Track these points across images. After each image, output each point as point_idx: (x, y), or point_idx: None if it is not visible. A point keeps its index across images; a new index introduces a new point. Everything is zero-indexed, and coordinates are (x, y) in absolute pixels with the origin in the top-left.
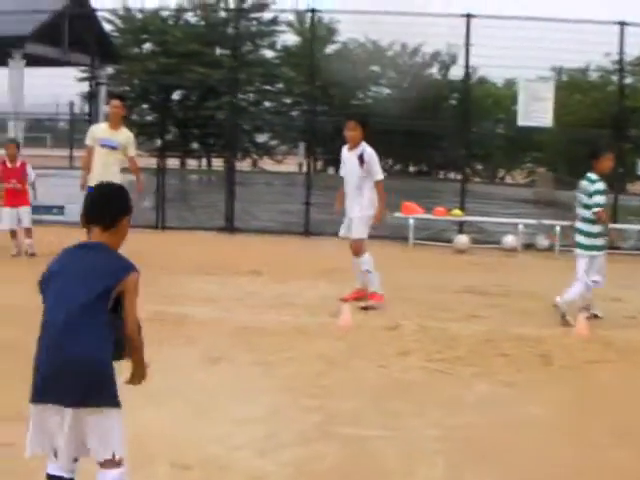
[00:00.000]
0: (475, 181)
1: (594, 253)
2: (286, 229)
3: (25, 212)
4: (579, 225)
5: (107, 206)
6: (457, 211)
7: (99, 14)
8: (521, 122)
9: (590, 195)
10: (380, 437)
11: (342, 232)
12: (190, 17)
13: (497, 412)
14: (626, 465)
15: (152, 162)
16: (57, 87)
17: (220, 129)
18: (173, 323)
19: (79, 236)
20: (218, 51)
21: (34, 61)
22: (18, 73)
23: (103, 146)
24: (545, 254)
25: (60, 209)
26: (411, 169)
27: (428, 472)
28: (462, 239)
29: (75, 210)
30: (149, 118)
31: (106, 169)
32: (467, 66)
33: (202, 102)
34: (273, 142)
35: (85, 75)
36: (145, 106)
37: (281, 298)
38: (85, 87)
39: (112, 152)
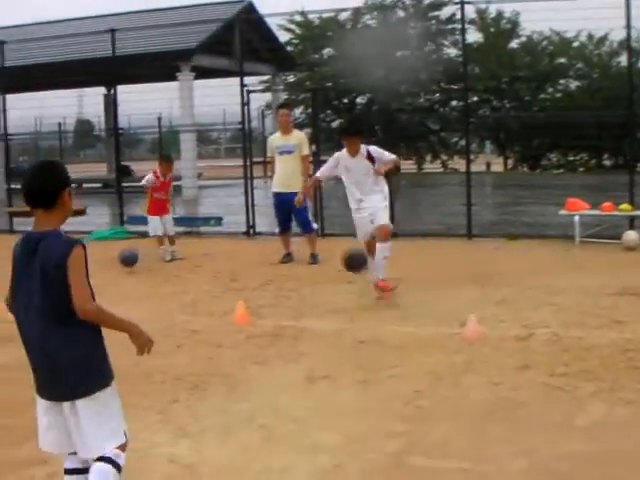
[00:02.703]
0: None
1: None
2: (450, 232)
3: (169, 220)
4: None
5: (43, 186)
6: (626, 205)
7: (272, 21)
8: None
9: None
10: (458, 470)
11: (366, 234)
12: (368, 20)
13: (605, 439)
14: None
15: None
16: (225, 97)
17: (404, 131)
18: (290, 338)
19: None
20: (398, 53)
21: (204, 73)
22: (187, 86)
23: (281, 153)
24: None
25: (218, 220)
26: (607, 162)
27: None
28: (630, 235)
29: (234, 221)
30: (334, 124)
31: (287, 173)
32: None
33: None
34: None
35: (261, 85)
36: (329, 112)
37: (416, 307)
38: (259, 98)
39: (290, 156)
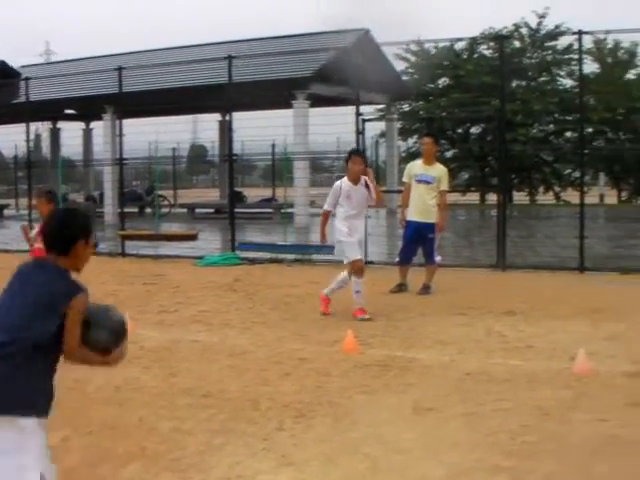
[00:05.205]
0: None
1: None
2: (562, 265)
3: None
4: None
5: (59, 232)
6: None
7: (388, 50)
8: None
9: None
10: None
11: (362, 256)
12: (484, 49)
13: None
14: None
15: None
16: (339, 126)
17: (517, 163)
18: (398, 369)
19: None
20: (514, 83)
21: (319, 101)
22: (302, 113)
23: (419, 182)
24: None
25: (330, 248)
26: None
27: None
28: None
29: None
30: (448, 154)
31: (423, 203)
32: None
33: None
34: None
35: (376, 114)
36: (443, 142)
37: (524, 340)
38: (373, 126)
39: (428, 187)
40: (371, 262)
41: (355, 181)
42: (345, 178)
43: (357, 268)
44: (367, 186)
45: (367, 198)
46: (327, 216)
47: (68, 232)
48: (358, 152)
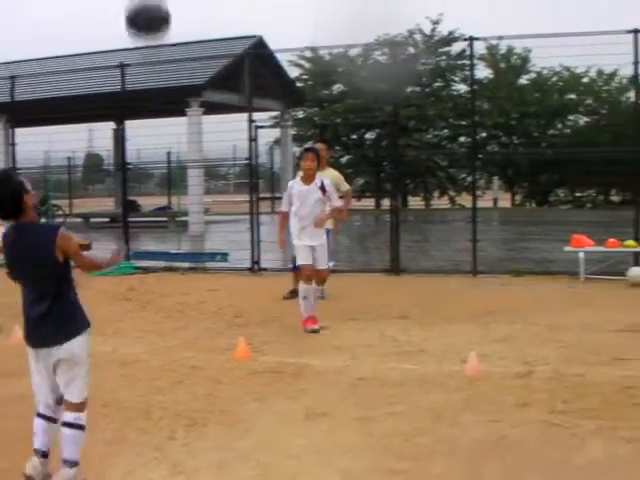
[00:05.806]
0: None
1: None
2: (455, 268)
3: None
4: None
5: (5, 199)
6: (630, 242)
7: (282, 57)
8: None
9: None
10: None
11: (310, 262)
12: (378, 55)
13: (605, 479)
14: None
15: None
16: (234, 133)
17: (411, 168)
18: (291, 375)
19: (237, 282)
20: (408, 89)
21: (213, 108)
22: (196, 121)
23: None
24: None
25: (224, 256)
26: (614, 199)
27: None
28: (635, 272)
29: (240, 256)
30: (343, 160)
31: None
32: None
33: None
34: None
35: (270, 121)
36: (338, 148)
37: (416, 344)
38: (268, 133)
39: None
40: (264, 269)
41: (307, 180)
42: (298, 177)
43: (303, 274)
44: (323, 189)
45: (321, 201)
46: (284, 218)
47: (12, 192)
48: (311, 149)
